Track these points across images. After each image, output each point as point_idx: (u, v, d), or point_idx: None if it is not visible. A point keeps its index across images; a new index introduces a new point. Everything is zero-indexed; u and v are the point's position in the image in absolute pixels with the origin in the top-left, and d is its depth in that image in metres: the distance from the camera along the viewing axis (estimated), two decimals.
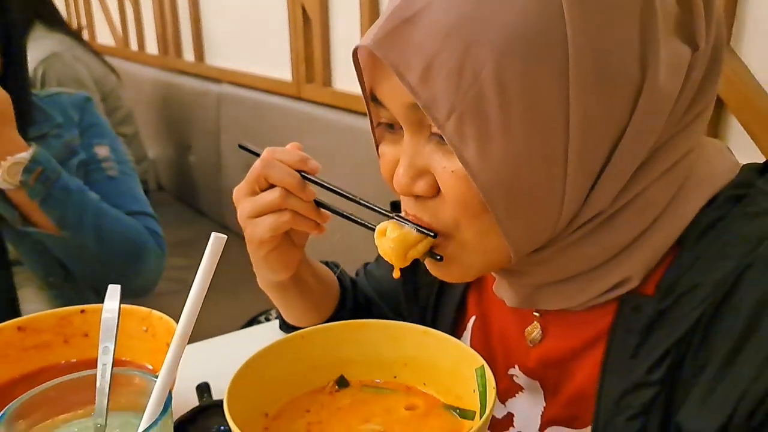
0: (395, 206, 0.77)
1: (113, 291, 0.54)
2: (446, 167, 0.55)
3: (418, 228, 0.60)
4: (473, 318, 0.77)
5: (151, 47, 2.88)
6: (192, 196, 2.68)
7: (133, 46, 3.05)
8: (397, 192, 0.60)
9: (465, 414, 0.66)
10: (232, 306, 1.61)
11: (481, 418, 0.58)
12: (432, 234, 0.59)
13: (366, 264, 0.97)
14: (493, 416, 0.74)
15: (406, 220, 0.61)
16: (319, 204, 0.71)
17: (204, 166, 2.52)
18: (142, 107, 2.79)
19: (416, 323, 0.78)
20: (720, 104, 0.98)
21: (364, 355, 0.69)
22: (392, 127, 0.61)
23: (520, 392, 0.71)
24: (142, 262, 1.20)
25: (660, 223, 0.57)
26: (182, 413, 0.79)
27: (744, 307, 0.52)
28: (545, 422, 0.69)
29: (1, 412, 0.47)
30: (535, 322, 0.69)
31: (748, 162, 0.62)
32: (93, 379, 0.51)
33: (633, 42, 0.51)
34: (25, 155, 1.04)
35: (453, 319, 0.79)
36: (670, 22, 0.53)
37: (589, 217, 0.56)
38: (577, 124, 0.51)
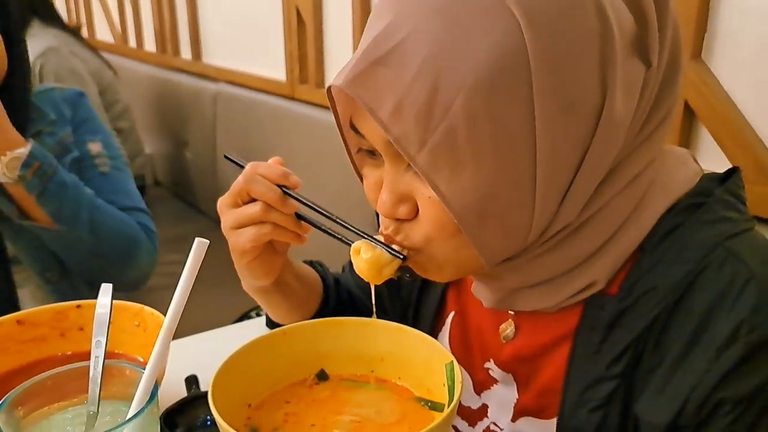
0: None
1: (106, 289, 0.58)
2: (424, 193, 0.58)
3: (389, 250, 0.63)
4: (452, 314, 0.80)
5: (149, 45, 2.91)
6: (188, 192, 2.72)
7: (132, 43, 3.08)
8: (381, 214, 0.64)
9: (435, 406, 0.70)
10: (225, 301, 1.63)
11: (448, 409, 0.63)
12: (401, 256, 0.63)
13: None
14: (468, 407, 0.78)
15: (378, 241, 0.64)
16: (299, 216, 0.73)
17: (200, 163, 2.55)
18: (139, 103, 2.82)
19: (398, 318, 0.81)
20: (691, 114, 1.01)
21: (343, 351, 0.72)
22: (373, 153, 0.63)
23: (494, 385, 0.75)
24: (134, 257, 1.22)
25: (623, 232, 0.61)
26: (171, 404, 0.82)
27: (697, 308, 0.56)
28: (517, 413, 0.72)
29: (1, 400, 0.51)
30: (510, 320, 0.72)
31: (717, 170, 0.65)
32: (86, 370, 0.55)
33: (593, 70, 0.54)
34: (23, 150, 1.06)
35: (433, 315, 0.82)
36: (627, 43, 0.55)
37: (557, 229, 0.59)
38: (544, 151, 0.54)
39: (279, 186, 0.71)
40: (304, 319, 0.87)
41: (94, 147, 1.25)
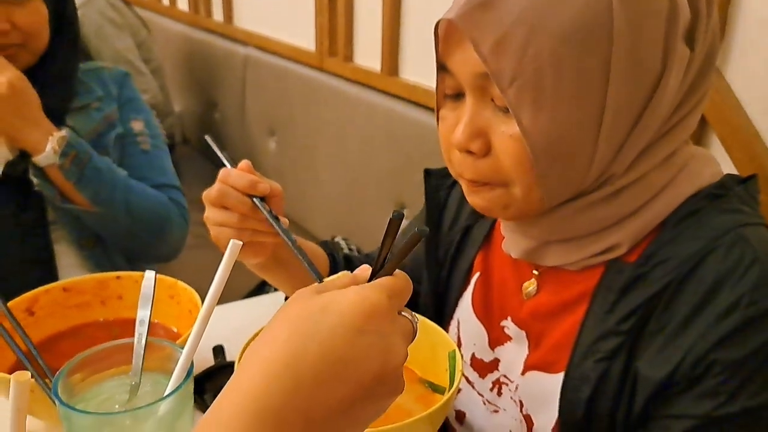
0: (428, 173, 0.89)
1: (150, 275, 0.64)
2: (504, 131, 0.65)
3: None
4: (477, 274, 0.87)
5: (182, 3, 2.94)
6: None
7: (165, 0, 3.11)
8: (454, 146, 0.69)
9: (437, 389, 0.77)
10: (246, 270, 1.70)
11: (449, 393, 0.70)
12: None
13: None
14: (481, 359, 0.85)
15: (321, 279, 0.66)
16: (275, 216, 0.76)
17: (229, 124, 2.60)
18: (170, 61, 2.85)
19: (433, 277, 0.88)
20: (703, 120, 1.05)
21: None
22: (455, 96, 0.70)
23: (508, 342, 0.82)
24: (167, 233, 1.28)
25: (653, 204, 0.69)
26: (200, 371, 0.89)
27: (705, 280, 0.64)
28: (526, 367, 0.79)
29: (60, 369, 0.59)
30: (533, 279, 0.79)
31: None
32: (131, 345, 0.62)
33: (659, 43, 0.62)
34: (63, 133, 1.11)
35: (463, 276, 0.89)
36: (683, 27, 0.64)
37: (607, 177, 0.67)
38: (611, 105, 0.62)
39: (250, 195, 0.75)
40: None
41: (137, 125, 1.30)
